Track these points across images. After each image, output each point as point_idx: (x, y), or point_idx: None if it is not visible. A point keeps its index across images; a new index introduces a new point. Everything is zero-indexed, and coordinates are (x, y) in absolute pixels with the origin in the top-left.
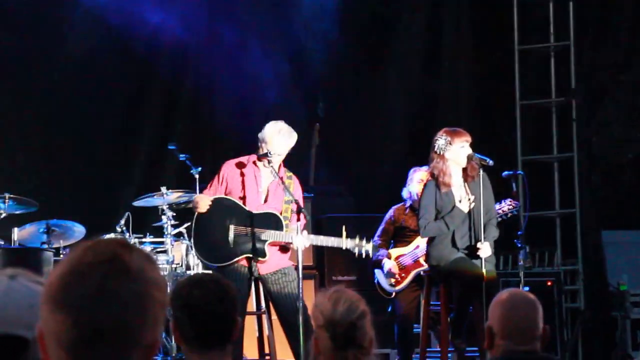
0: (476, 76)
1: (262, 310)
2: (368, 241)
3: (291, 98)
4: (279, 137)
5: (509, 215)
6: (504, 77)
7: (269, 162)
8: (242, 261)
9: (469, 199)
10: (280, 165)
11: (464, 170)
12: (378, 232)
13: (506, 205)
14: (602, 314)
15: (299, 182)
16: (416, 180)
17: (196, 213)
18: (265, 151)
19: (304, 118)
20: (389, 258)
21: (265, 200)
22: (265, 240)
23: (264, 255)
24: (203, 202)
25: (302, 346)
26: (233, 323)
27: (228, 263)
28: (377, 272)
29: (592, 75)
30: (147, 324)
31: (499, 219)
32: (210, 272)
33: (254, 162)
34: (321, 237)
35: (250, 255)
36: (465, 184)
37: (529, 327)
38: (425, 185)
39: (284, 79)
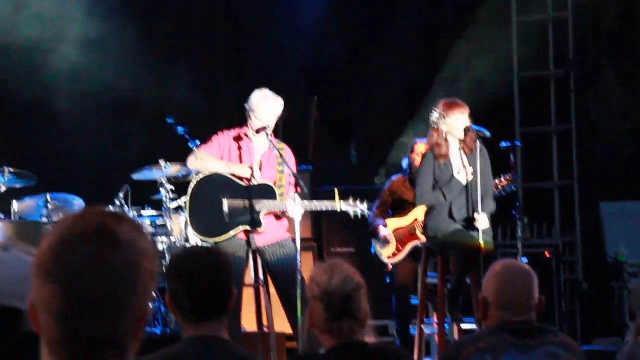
0: (474, 48)
1: (260, 282)
2: (362, 202)
3: (289, 72)
4: (265, 103)
5: (508, 191)
6: (502, 49)
7: (267, 135)
8: (239, 234)
9: (467, 171)
10: (272, 136)
11: (463, 142)
12: (376, 203)
13: (505, 181)
14: (600, 285)
15: (292, 152)
16: (416, 152)
17: (190, 191)
18: (253, 120)
19: (302, 93)
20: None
21: (260, 171)
22: (261, 211)
23: (260, 225)
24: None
25: (300, 318)
26: (229, 294)
27: (225, 237)
28: (375, 242)
29: (590, 46)
30: (137, 294)
31: (498, 194)
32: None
33: (246, 134)
34: (315, 202)
35: (247, 228)
36: (464, 156)
37: (524, 297)
38: (424, 155)
39: (282, 52)
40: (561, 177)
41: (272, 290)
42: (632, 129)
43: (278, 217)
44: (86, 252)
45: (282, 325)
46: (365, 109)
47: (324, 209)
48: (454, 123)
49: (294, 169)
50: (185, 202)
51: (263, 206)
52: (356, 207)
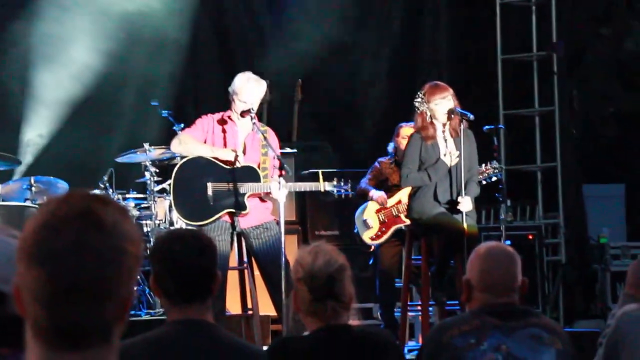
0: (458, 32)
1: (245, 265)
2: (347, 182)
3: (274, 53)
4: (248, 85)
5: (492, 178)
6: (485, 32)
7: (252, 118)
8: (224, 217)
9: (452, 154)
10: (256, 119)
11: (449, 125)
12: (367, 175)
13: (491, 169)
14: (583, 267)
15: (275, 135)
16: (401, 135)
17: (173, 175)
18: (237, 103)
19: (287, 75)
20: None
21: (244, 153)
22: (245, 194)
23: (244, 208)
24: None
25: (284, 301)
26: (213, 277)
27: (210, 220)
28: (358, 221)
29: (573, 29)
30: (122, 277)
31: (482, 181)
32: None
33: (230, 117)
34: (299, 184)
35: (232, 210)
36: (450, 139)
37: (507, 279)
38: (411, 136)
39: (265, 31)
40: (544, 160)
41: (257, 272)
42: (615, 112)
43: (262, 199)
44: (70, 236)
45: (266, 307)
46: (350, 93)
47: (308, 190)
48: (434, 107)
49: (278, 152)
50: (169, 186)
51: (247, 188)
52: (340, 188)
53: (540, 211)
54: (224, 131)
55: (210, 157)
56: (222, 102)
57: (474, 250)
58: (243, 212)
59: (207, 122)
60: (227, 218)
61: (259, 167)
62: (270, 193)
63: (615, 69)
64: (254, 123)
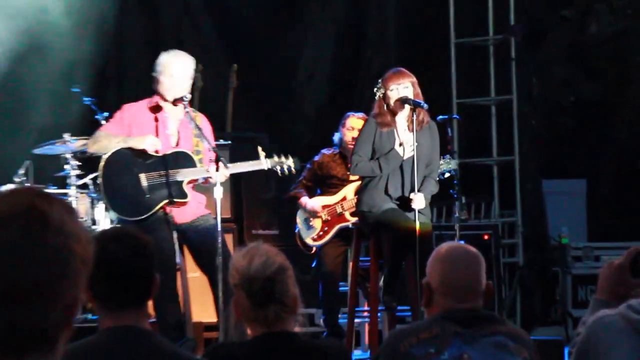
0: (407, 13)
1: (178, 266)
2: (288, 157)
3: (207, 39)
4: (175, 60)
5: (445, 174)
6: (437, 13)
7: (185, 106)
8: (162, 210)
9: (407, 146)
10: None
11: (408, 115)
12: (302, 174)
13: (443, 163)
14: (542, 270)
15: (208, 121)
16: (347, 126)
17: (100, 171)
18: (164, 83)
19: (222, 61)
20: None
21: (177, 144)
22: (182, 181)
23: (184, 196)
24: (155, 142)
25: (222, 308)
26: (150, 280)
27: (149, 214)
28: (299, 220)
29: (532, 10)
30: (68, 280)
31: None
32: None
33: (158, 104)
34: (238, 164)
35: (171, 200)
36: (407, 130)
37: (470, 282)
38: (366, 120)
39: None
40: (501, 153)
41: (190, 275)
42: (576, 101)
43: (197, 193)
44: (13, 234)
45: (201, 313)
46: (288, 78)
47: (250, 169)
48: (389, 94)
49: (212, 139)
50: (97, 183)
51: (184, 175)
52: (282, 163)
53: (496, 209)
54: (153, 120)
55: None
56: (150, 88)
57: (435, 250)
58: (182, 201)
59: (129, 113)
60: (167, 209)
61: (192, 151)
62: (210, 178)
63: (577, 53)
64: (187, 112)
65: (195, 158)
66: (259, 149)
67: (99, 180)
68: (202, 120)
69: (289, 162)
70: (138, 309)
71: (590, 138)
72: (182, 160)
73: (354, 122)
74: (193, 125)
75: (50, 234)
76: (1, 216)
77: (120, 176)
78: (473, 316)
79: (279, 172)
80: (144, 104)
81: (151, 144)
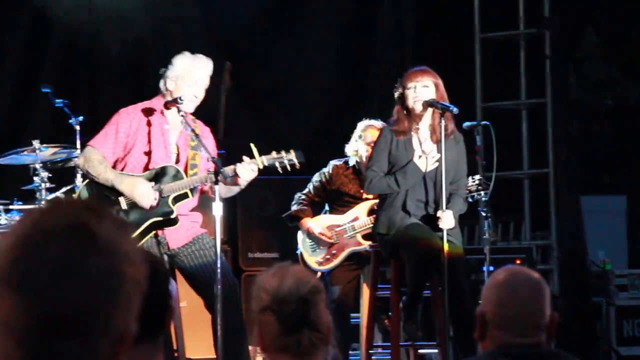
0: (425, 2)
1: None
2: (289, 151)
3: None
4: (197, 61)
5: (475, 196)
6: (461, 5)
7: (179, 110)
8: (149, 236)
9: (429, 157)
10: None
11: (431, 123)
12: (308, 187)
13: (473, 184)
14: (582, 300)
15: (211, 132)
16: (368, 141)
17: (82, 190)
18: (183, 89)
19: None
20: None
21: (177, 161)
22: (167, 196)
23: (171, 213)
24: (148, 196)
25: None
26: (165, 308)
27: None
28: (301, 241)
29: (569, 1)
30: (118, 308)
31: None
32: None
33: (162, 111)
34: (230, 167)
35: (157, 220)
36: (430, 140)
37: (531, 314)
38: (380, 131)
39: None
40: (533, 165)
41: (182, 304)
42: (615, 105)
43: (190, 212)
44: (55, 255)
45: (195, 350)
46: (289, 80)
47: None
48: (407, 93)
49: (214, 153)
50: (64, 195)
51: (170, 190)
52: (282, 158)
53: (527, 229)
54: (148, 125)
55: (125, 175)
56: (133, 91)
57: (491, 276)
58: (170, 218)
59: (126, 123)
60: (159, 232)
61: (186, 165)
62: (203, 186)
63: (615, 49)
64: (182, 116)
65: (189, 172)
66: (252, 146)
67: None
68: (205, 132)
69: (291, 156)
70: (152, 341)
71: (630, 147)
72: (168, 174)
73: (374, 133)
74: (189, 131)
75: (98, 255)
76: (42, 233)
77: (101, 196)
78: (535, 353)
79: (279, 168)
80: (143, 108)
81: (145, 201)
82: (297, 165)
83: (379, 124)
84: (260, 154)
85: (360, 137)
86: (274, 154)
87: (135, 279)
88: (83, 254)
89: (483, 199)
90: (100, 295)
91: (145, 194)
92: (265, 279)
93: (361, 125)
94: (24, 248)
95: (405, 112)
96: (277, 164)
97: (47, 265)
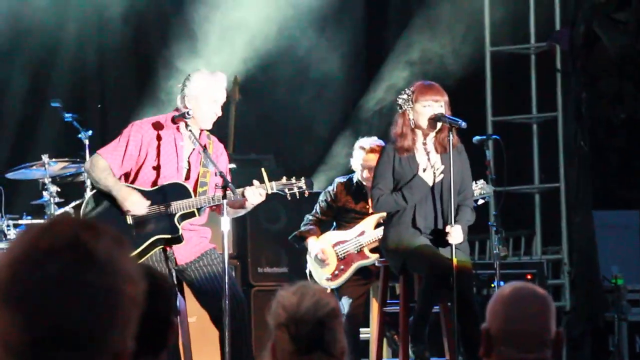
0: (435, 20)
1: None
2: (299, 178)
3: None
4: (215, 78)
5: (479, 201)
6: (471, 18)
7: (187, 125)
8: (157, 248)
9: (436, 169)
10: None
11: (436, 136)
12: (315, 208)
13: (478, 189)
14: (593, 315)
15: (224, 148)
16: (364, 163)
17: (83, 211)
18: (202, 108)
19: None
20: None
21: (187, 177)
22: (174, 214)
23: (176, 231)
24: (139, 205)
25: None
26: (168, 325)
27: (136, 252)
28: (309, 257)
29: (581, 14)
30: (116, 325)
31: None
32: None
33: (178, 127)
34: (238, 190)
35: (162, 237)
36: (434, 152)
37: (537, 330)
38: (382, 149)
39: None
40: (543, 179)
41: (191, 319)
42: (628, 119)
43: (199, 228)
44: (54, 272)
45: None
46: (297, 94)
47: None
48: (421, 110)
49: (226, 168)
50: (73, 209)
51: (177, 208)
52: (292, 185)
53: (538, 244)
54: (160, 145)
55: (122, 184)
56: (140, 103)
57: (497, 292)
58: (174, 236)
59: (138, 136)
60: (161, 253)
61: (196, 182)
62: (211, 205)
63: (628, 64)
64: (190, 131)
65: (199, 190)
66: (263, 170)
67: (82, 212)
68: (217, 148)
69: (300, 184)
70: (153, 358)
71: None
72: (177, 192)
73: (370, 159)
74: (197, 146)
75: (96, 272)
76: (40, 251)
77: (106, 213)
78: None
79: (288, 195)
80: (157, 122)
81: (135, 208)
82: (306, 194)
83: (372, 143)
84: (270, 180)
85: (358, 155)
86: (284, 179)
87: (133, 296)
88: (81, 272)
89: (493, 213)
90: (98, 312)
91: (137, 203)
92: (285, 295)
93: (358, 145)
94: (22, 265)
95: (411, 126)
96: (286, 190)
97: (45, 282)
